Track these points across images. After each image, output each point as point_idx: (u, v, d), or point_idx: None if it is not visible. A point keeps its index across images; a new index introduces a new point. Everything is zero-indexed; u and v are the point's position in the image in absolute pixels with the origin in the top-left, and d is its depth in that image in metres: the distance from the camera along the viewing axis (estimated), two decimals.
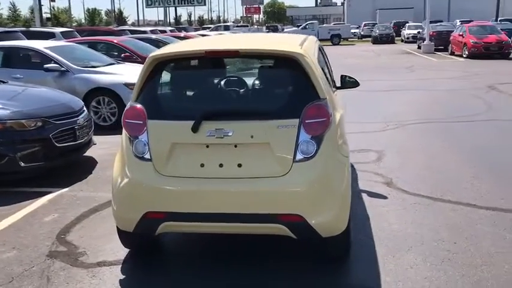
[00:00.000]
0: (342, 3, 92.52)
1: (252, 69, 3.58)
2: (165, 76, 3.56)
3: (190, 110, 3.36)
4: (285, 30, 44.77)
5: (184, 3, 53.68)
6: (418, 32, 32.96)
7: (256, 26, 53.41)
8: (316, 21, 45.09)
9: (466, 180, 5.35)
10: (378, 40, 38.96)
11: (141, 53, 11.80)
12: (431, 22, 40.90)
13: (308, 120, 3.21)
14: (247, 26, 50.51)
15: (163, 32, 27.73)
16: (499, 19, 39.54)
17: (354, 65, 19.76)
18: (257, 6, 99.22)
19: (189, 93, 3.65)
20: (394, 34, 40.27)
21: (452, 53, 24.30)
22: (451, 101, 10.89)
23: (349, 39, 43.01)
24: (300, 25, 44.98)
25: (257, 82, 3.56)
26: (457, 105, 10.34)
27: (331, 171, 3.27)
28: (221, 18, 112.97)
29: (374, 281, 3.34)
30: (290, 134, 3.20)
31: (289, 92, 3.38)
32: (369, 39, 44.42)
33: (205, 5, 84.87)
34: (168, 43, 14.71)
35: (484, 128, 8.05)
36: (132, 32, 24.72)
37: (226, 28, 40.61)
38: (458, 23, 37.83)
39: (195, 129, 3.22)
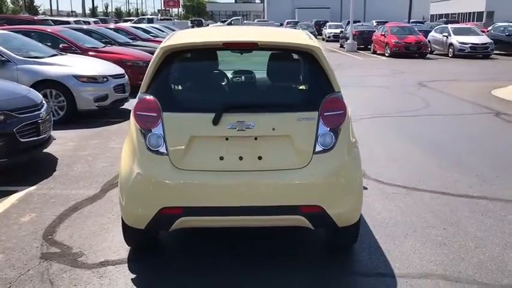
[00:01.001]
0: (262, 1, 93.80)
1: (268, 62, 3.58)
2: (179, 67, 3.45)
3: (209, 102, 3.30)
4: (210, 25, 44.50)
5: None
6: (341, 32, 34.21)
7: (176, 20, 52.48)
8: (241, 17, 45.49)
9: (433, 171, 5.71)
10: None
11: (81, 45, 11.23)
12: (348, 22, 42.70)
13: (327, 113, 3.28)
14: (171, 20, 49.59)
15: (87, 23, 26.56)
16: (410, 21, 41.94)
17: None
18: (176, 0, 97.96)
19: (206, 85, 3.57)
20: (316, 33, 41.50)
21: (374, 52, 25.57)
22: (391, 97, 11.48)
23: None
24: (225, 20, 45.00)
25: (274, 74, 3.56)
26: (398, 101, 10.93)
27: (348, 163, 3.36)
28: (139, 11, 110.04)
29: (386, 268, 3.49)
30: (310, 126, 3.25)
31: (306, 85, 3.43)
32: None
33: None
34: (103, 34, 14.17)
35: (430, 122, 8.60)
36: (55, 22, 23.41)
37: (150, 21, 39.56)
38: (375, 24, 39.86)
39: (216, 121, 3.17)
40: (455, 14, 64.41)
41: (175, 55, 3.36)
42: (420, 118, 8.94)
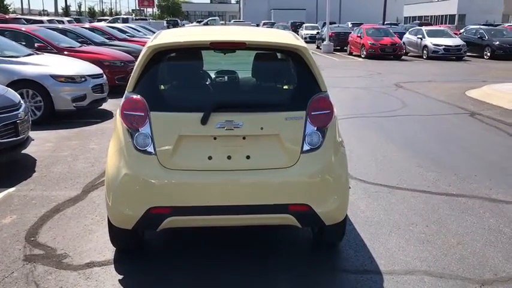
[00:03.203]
0: (237, 1, 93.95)
1: (253, 62, 3.59)
2: (166, 67, 3.44)
3: (197, 101, 3.29)
4: (187, 25, 44.30)
5: None
6: (317, 33, 34.51)
7: (151, 20, 52.01)
8: (217, 18, 45.32)
9: (413, 170, 5.81)
10: None
11: (57, 44, 11.05)
12: (324, 24, 43.05)
13: (314, 112, 3.31)
14: (147, 19, 49.14)
15: (61, 22, 26.14)
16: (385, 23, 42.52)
17: None
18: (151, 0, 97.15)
19: (194, 84, 3.55)
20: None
21: (350, 53, 25.87)
22: (369, 97, 11.63)
23: None
24: (201, 20, 44.83)
25: (260, 74, 3.57)
26: (376, 101, 11.08)
27: (334, 161, 3.39)
28: (113, 10, 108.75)
29: (372, 265, 3.54)
30: (298, 125, 3.28)
31: (293, 85, 3.45)
32: None
33: None
34: (79, 33, 13.96)
35: (407, 122, 8.75)
36: (27, 21, 22.98)
37: (125, 21, 39.16)
38: (350, 25, 40.33)
39: (204, 121, 3.17)
40: (428, 16, 65.64)
41: (163, 54, 3.35)
42: (398, 118, 9.09)
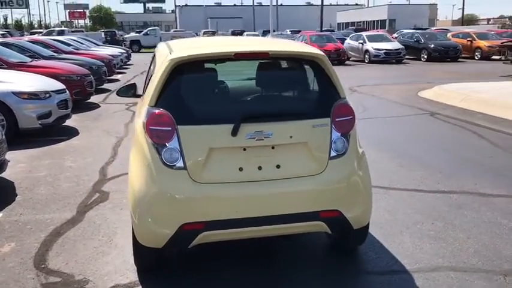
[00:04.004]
0: (173, 11, 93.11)
1: (273, 71, 3.61)
2: (189, 79, 3.36)
3: (225, 113, 3.26)
4: (126, 36, 43.39)
5: (2, 5, 48.44)
6: None
7: (88, 32, 50.43)
8: (157, 28, 44.63)
9: (397, 170, 6.02)
10: None
11: (6, 59, 10.47)
12: (264, 31, 43.67)
13: (338, 119, 3.37)
14: (83, 31, 47.65)
15: None
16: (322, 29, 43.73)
17: None
18: (82, 10, 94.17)
19: (219, 95, 3.51)
20: None
21: None
22: None
23: None
24: (141, 31, 44.05)
25: (284, 83, 3.59)
26: None
27: (359, 166, 3.47)
28: (42, 23, 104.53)
29: (397, 265, 3.64)
30: (325, 132, 3.33)
31: (316, 92, 3.49)
32: None
33: (26, 7, 77.92)
34: (24, 47, 13.32)
35: (374, 125, 9.05)
36: None
37: (61, 33, 37.75)
38: (289, 32, 41.13)
39: (234, 132, 3.15)
40: (361, 22, 68.17)
41: (184, 66, 3.29)
42: (363, 121, 9.35)
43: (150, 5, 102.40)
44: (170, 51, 3.44)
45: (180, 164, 3.16)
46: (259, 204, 3.22)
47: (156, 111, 3.21)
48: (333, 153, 3.34)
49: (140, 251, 3.39)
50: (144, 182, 3.19)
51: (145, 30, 42.29)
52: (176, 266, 3.74)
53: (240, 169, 3.20)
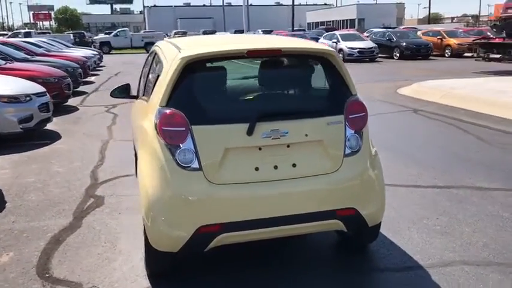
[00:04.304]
0: (141, 12, 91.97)
1: (284, 68, 3.55)
2: (201, 77, 3.27)
3: (240, 112, 3.18)
4: (95, 38, 42.58)
5: None
6: None
7: (56, 34, 49.24)
8: (127, 29, 43.95)
9: (392, 166, 6.03)
10: None
11: None
12: (236, 31, 43.68)
13: (351, 116, 3.35)
14: (50, 33, 46.52)
15: None
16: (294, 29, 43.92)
17: None
18: (47, 12, 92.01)
19: (232, 94, 3.43)
20: None
21: None
22: None
23: None
24: (111, 32, 43.30)
25: (296, 80, 3.54)
26: None
27: (373, 163, 3.45)
28: (5, 24, 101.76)
29: (411, 261, 3.63)
30: (339, 129, 3.29)
31: (328, 89, 3.45)
32: None
33: None
34: None
35: None
36: None
37: (27, 35, 36.77)
38: (261, 32, 41.16)
39: (250, 131, 3.08)
40: (330, 21, 68.82)
41: (196, 65, 3.19)
42: None
43: (117, 6, 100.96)
44: (179, 50, 3.34)
45: (195, 165, 3.07)
46: (276, 204, 3.16)
47: (169, 111, 3.11)
48: (347, 151, 3.31)
49: (153, 256, 3.29)
50: (158, 185, 3.09)
51: (115, 32, 41.59)
52: (188, 270, 3.64)
53: (256, 169, 3.14)
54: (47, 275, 3.55)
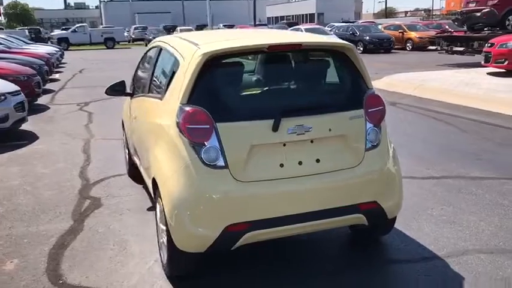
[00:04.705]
0: (97, 7, 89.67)
1: (303, 63, 3.52)
2: (221, 73, 3.19)
3: (263, 108, 3.13)
4: (52, 34, 41.15)
5: None
6: None
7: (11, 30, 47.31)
8: (86, 24, 42.71)
9: None
10: None
11: None
12: (198, 26, 43.25)
13: (370, 110, 3.36)
14: (3, 29, 44.64)
15: None
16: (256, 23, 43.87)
17: None
18: None
19: (254, 90, 3.36)
20: None
21: None
22: None
23: (120, 43, 42.09)
24: (68, 28, 41.98)
25: (316, 75, 3.50)
26: None
27: (391, 156, 3.48)
28: None
29: (426, 252, 3.69)
30: (360, 124, 3.30)
31: (347, 83, 3.44)
32: (142, 42, 44.53)
33: None
34: None
35: None
36: None
37: None
38: (222, 26, 40.95)
39: (276, 127, 3.04)
40: (290, 16, 69.20)
41: (216, 61, 3.12)
42: None
43: (71, 1, 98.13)
44: (196, 45, 3.26)
45: (221, 163, 3.00)
46: (301, 200, 3.14)
47: (191, 108, 3.03)
48: (368, 145, 3.32)
49: (178, 258, 3.20)
50: (184, 184, 3.01)
51: (73, 27, 40.34)
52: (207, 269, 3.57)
53: (281, 165, 3.10)
54: (61, 282, 3.40)
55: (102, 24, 70.27)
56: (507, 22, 16.30)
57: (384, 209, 3.35)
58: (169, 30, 45.80)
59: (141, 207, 4.73)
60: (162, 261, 3.51)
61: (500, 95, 9.58)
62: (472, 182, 5.19)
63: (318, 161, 3.18)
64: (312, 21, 59.95)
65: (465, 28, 18.24)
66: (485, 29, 16.97)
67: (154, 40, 4.64)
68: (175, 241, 3.10)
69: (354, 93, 3.39)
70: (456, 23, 19.00)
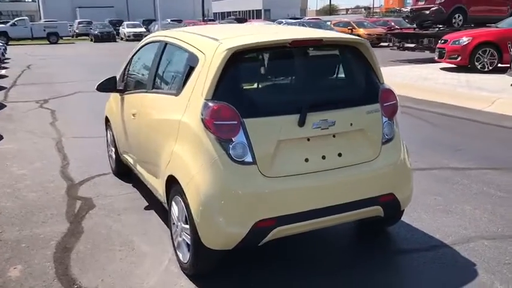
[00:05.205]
0: (34, 0, 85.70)
1: (322, 58, 3.54)
2: (245, 68, 3.17)
3: (289, 103, 3.13)
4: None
5: None
6: (147, 30, 33.92)
7: None
8: (27, 18, 40.68)
9: None
10: (100, 38, 38.24)
11: None
12: (144, 21, 42.33)
13: (385, 104, 3.45)
14: None
15: None
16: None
17: (107, 63, 19.19)
18: None
19: (278, 85, 3.34)
20: (115, 32, 40.16)
21: None
22: None
23: (64, 38, 40.49)
24: (7, 21, 39.88)
25: (335, 70, 3.53)
26: None
27: (403, 149, 3.59)
28: None
29: (433, 240, 3.82)
30: (377, 118, 3.38)
31: (363, 78, 3.49)
32: (86, 37, 43.16)
33: None
34: None
35: None
36: None
37: None
38: (169, 21, 40.35)
39: (302, 122, 3.06)
40: (236, 11, 69.16)
41: (240, 56, 3.09)
42: None
43: None
44: (216, 40, 3.21)
45: (248, 159, 2.99)
46: (326, 194, 3.18)
47: (217, 104, 2.99)
48: (384, 138, 3.41)
49: (204, 255, 3.15)
50: (212, 181, 2.97)
51: (12, 21, 38.35)
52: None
53: (306, 160, 3.13)
54: (76, 286, 3.26)
55: (40, 18, 67.32)
56: (453, 20, 17.10)
57: (399, 200, 3.45)
58: (115, 24, 44.66)
59: (137, 207, 4.61)
60: (179, 260, 3.44)
61: (460, 90, 10.05)
62: (457, 172, 5.43)
63: (340, 155, 3.23)
64: (258, 17, 60.29)
65: (415, 25, 18.96)
66: (434, 26, 17.71)
67: (152, 35, 4.52)
68: (202, 239, 3.05)
69: (370, 88, 3.46)
70: (407, 20, 19.69)
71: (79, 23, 45.34)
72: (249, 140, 2.98)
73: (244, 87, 3.15)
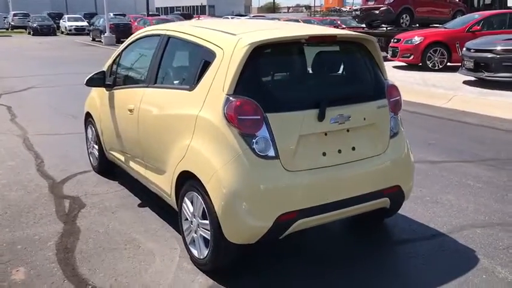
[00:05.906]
0: None
1: (334, 55, 3.60)
2: (266, 64, 3.19)
3: (308, 98, 3.18)
4: None
5: None
6: (90, 24, 32.84)
7: None
8: None
9: None
10: (39, 31, 36.56)
11: None
12: (86, 14, 41.02)
13: (392, 99, 3.58)
14: None
15: None
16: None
17: (54, 58, 18.50)
18: None
19: (298, 80, 3.36)
20: (55, 26, 38.55)
21: None
22: None
23: None
24: None
25: (347, 66, 3.60)
26: None
27: (406, 142, 3.74)
28: None
29: (432, 230, 3.99)
30: (385, 113, 3.51)
31: (371, 74, 3.58)
32: (23, 30, 41.27)
33: None
34: None
35: None
36: None
37: None
38: (112, 16, 39.27)
39: (321, 117, 3.13)
40: (180, 7, 68.28)
41: (259, 51, 3.10)
42: None
43: None
44: (233, 35, 3.21)
45: (271, 153, 3.03)
46: (342, 187, 3.27)
47: (240, 99, 3.00)
48: (391, 132, 3.54)
49: (225, 250, 3.15)
50: (237, 176, 2.98)
51: None
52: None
53: (324, 154, 3.20)
54: (90, 287, 3.16)
55: None
56: (401, 20, 17.80)
57: (404, 191, 3.60)
58: (55, 18, 42.88)
59: (129, 204, 4.52)
60: (193, 257, 3.41)
61: (417, 87, 10.50)
62: (434, 165, 5.70)
63: (353, 149, 3.32)
64: (203, 13, 59.83)
65: (363, 25, 19.55)
66: (383, 25, 18.34)
67: (148, 28, 4.42)
68: (226, 234, 3.05)
69: (378, 84, 3.58)
70: (356, 20, 20.25)
71: (14, 14, 43.13)
72: (272, 134, 3.01)
73: (265, 82, 3.17)
